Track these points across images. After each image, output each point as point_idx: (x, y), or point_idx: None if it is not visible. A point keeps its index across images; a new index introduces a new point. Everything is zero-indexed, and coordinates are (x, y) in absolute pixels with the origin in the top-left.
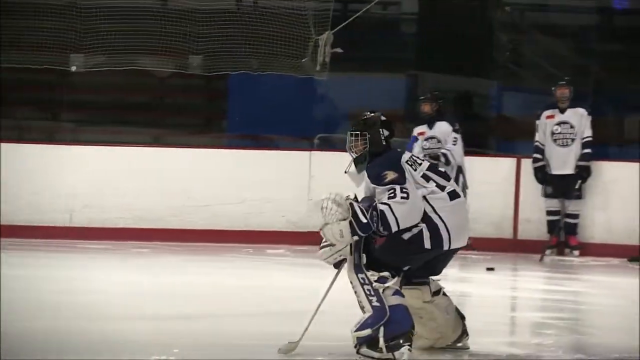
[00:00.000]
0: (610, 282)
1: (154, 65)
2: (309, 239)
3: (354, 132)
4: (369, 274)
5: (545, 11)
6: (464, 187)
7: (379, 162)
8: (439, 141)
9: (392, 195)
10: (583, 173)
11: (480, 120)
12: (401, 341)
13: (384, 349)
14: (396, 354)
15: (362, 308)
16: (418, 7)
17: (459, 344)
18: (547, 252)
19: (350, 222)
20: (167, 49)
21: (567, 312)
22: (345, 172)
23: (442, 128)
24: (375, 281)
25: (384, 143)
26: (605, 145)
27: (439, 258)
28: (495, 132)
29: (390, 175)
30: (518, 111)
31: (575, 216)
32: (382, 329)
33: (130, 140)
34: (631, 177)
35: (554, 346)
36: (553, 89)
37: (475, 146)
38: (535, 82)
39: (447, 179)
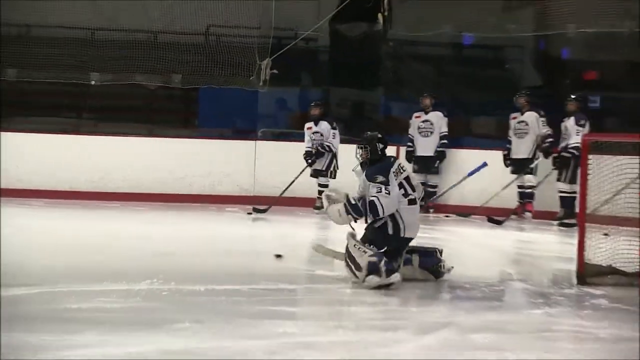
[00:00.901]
0: (459, 231)
1: (147, 81)
2: (255, 201)
3: (360, 145)
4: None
5: (416, 45)
6: (336, 168)
7: (375, 167)
8: (322, 135)
9: (379, 191)
10: (440, 156)
11: (372, 120)
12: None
13: (384, 274)
14: (391, 277)
15: (353, 265)
16: (329, 42)
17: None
18: None
19: (345, 205)
20: (156, 69)
21: None
22: (353, 170)
23: (324, 126)
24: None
25: (380, 152)
26: (459, 137)
27: (398, 245)
28: (383, 128)
29: (380, 178)
30: (398, 114)
31: (434, 186)
32: (383, 260)
33: (131, 132)
34: (476, 160)
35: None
36: (420, 98)
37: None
38: (410, 94)
39: (414, 189)
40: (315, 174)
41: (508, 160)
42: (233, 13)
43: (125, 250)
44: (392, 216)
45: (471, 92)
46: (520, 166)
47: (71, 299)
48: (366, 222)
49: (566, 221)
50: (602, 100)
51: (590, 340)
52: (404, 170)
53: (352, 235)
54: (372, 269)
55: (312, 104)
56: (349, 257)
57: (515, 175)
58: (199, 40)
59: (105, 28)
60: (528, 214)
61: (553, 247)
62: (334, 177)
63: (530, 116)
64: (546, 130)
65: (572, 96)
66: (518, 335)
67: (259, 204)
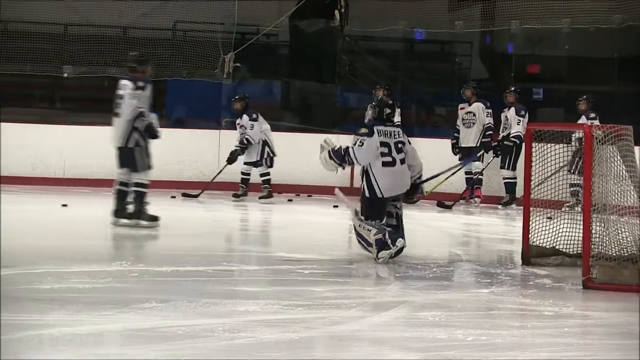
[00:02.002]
0: (411, 214)
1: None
2: (219, 186)
3: (371, 105)
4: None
5: (370, 40)
6: (271, 155)
7: (365, 122)
8: (244, 127)
9: (354, 142)
10: None
11: (330, 110)
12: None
13: (391, 244)
14: (397, 243)
15: (365, 242)
16: (289, 37)
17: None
18: None
19: (329, 152)
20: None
21: None
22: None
23: (244, 119)
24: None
25: (385, 117)
26: (411, 127)
27: (380, 206)
28: (341, 119)
29: (362, 130)
30: (355, 105)
31: None
32: (386, 233)
33: (103, 122)
34: (430, 148)
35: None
36: (373, 91)
37: (328, 127)
38: (365, 87)
39: (399, 151)
40: (253, 165)
41: (456, 148)
42: (198, 10)
43: (97, 233)
44: (367, 180)
45: (423, 84)
46: (468, 154)
47: (45, 279)
48: (343, 168)
49: (504, 201)
50: (544, 92)
51: (534, 317)
52: (401, 137)
53: (356, 213)
54: (381, 245)
55: (233, 100)
56: (358, 236)
57: (460, 162)
58: (167, 35)
59: (78, 23)
60: (477, 199)
61: (499, 229)
62: (271, 166)
63: (477, 107)
64: (488, 122)
65: (512, 88)
66: (466, 313)
67: (222, 190)
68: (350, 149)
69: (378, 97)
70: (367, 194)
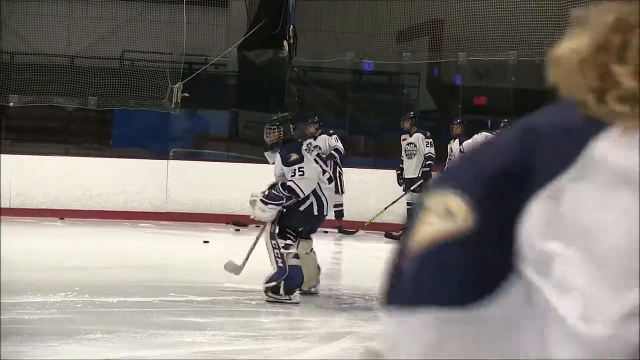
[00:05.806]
0: (358, 245)
1: (65, 103)
2: (166, 217)
3: (272, 127)
4: (280, 241)
5: (319, 71)
6: None
7: (286, 148)
8: None
9: (293, 174)
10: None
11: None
12: (295, 289)
13: (284, 294)
14: (291, 296)
15: (272, 264)
16: (238, 67)
17: (312, 288)
18: None
19: (262, 201)
20: (73, 92)
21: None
22: (265, 153)
23: None
24: (282, 247)
25: (292, 134)
26: (357, 158)
27: (317, 221)
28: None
29: (293, 156)
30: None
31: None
32: (283, 282)
33: (50, 151)
34: (373, 178)
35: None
36: (305, 126)
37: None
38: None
39: (327, 165)
40: None
41: (401, 179)
42: (146, 39)
43: (42, 264)
44: (317, 197)
45: (370, 115)
46: (411, 184)
47: None
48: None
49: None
50: (492, 124)
51: None
52: (314, 148)
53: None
54: (272, 290)
55: None
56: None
57: (402, 192)
58: (115, 64)
59: (25, 52)
60: None
61: None
62: None
63: (417, 137)
64: (428, 152)
65: (458, 120)
66: None
67: (170, 220)
68: (293, 185)
69: (309, 133)
70: (315, 212)
